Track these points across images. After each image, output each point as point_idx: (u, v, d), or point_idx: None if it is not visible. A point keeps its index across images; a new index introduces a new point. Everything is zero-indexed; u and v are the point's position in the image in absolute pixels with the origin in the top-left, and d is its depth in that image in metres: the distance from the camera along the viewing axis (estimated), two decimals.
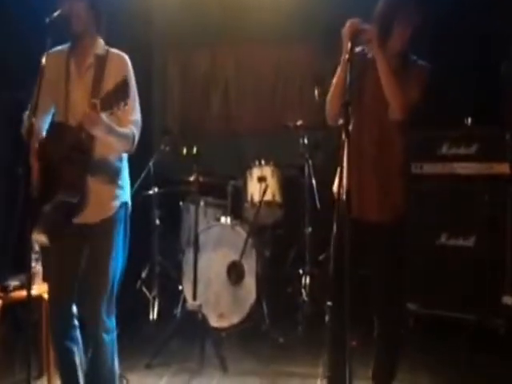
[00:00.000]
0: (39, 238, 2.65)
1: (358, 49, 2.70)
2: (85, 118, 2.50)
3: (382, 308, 2.91)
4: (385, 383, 2.99)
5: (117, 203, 2.81)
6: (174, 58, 5.75)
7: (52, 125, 2.80)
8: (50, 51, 2.64)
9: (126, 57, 2.82)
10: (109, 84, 2.61)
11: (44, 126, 2.78)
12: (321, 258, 4.45)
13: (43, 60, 2.54)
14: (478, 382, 3.50)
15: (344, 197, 2.36)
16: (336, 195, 2.91)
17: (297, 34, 5.26)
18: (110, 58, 2.77)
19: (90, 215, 2.71)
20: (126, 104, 2.48)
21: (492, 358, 3.79)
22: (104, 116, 2.51)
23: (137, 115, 2.79)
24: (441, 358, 3.83)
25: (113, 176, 2.80)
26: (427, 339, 4.12)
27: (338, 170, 2.91)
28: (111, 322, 2.81)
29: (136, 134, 2.75)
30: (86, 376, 2.85)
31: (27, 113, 2.80)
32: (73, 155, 2.59)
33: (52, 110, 2.82)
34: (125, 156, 2.86)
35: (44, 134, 2.76)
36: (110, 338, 2.81)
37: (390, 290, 2.86)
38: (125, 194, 2.87)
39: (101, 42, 2.81)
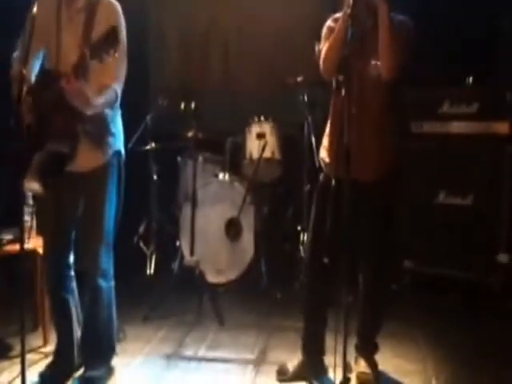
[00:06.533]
0: (32, 186, 2.61)
1: None
2: (66, 89, 2.47)
3: (371, 265, 2.92)
4: (370, 339, 3.04)
5: (109, 151, 2.79)
6: (170, 16, 5.53)
7: (42, 72, 2.74)
8: None
9: (118, 5, 2.75)
10: (98, 31, 2.55)
11: (33, 71, 2.73)
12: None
13: (34, 6, 2.46)
14: (470, 338, 3.53)
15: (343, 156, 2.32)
16: (328, 157, 2.88)
17: None
18: (101, 4, 2.70)
19: (82, 164, 2.71)
20: (115, 51, 2.43)
21: (486, 315, 3.83)
22: (85, 87, 2.48)
23: (122, 68, 2.73)
24: (435, 315, 3.86)
25: (104, 123, 2.76)
26: (423, 296, 4.16)
27: (328, 129, 2.90)
28: (109, 270, 2.83)
29: (118, 91, 2.70)
30: (85, 326, 2.87)
31: (16, 55, 2.76)
32: (62, 103, 2.52)
33: (41, 56, 2.77)
34: (117, 103, 2.80)
35: (33, 79, 2.70)
36: (109, 285, 2.84)
37: (381, 247, 2.88)
38: (117, 141, 2.84)
39: None
